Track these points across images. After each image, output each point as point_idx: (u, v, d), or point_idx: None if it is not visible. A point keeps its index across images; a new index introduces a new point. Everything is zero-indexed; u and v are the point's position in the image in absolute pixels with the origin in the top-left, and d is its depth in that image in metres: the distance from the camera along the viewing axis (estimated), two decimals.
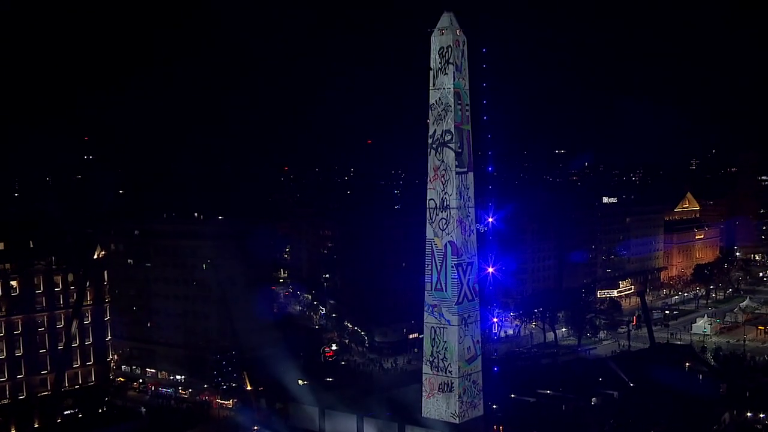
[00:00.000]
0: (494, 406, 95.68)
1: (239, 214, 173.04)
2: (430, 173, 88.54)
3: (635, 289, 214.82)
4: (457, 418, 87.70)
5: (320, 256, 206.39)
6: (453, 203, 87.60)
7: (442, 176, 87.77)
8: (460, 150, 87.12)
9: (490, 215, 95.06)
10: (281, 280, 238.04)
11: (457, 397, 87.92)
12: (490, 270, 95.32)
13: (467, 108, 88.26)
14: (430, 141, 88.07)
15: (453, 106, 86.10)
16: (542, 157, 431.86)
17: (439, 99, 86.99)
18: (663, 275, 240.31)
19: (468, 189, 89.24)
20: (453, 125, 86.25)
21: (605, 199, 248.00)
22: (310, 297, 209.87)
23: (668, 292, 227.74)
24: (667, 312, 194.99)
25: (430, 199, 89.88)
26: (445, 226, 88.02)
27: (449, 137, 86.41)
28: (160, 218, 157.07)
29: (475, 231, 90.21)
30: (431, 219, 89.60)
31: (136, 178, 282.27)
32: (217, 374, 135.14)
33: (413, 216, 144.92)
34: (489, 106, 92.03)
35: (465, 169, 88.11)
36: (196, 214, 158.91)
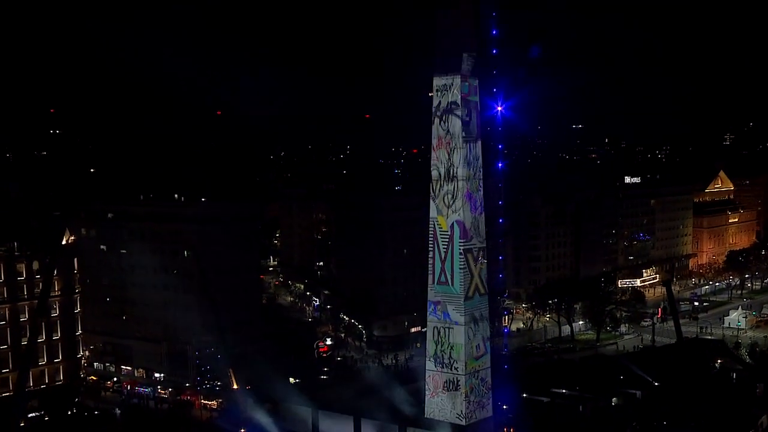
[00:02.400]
0: (504, 407, 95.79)
1: (224, 195, 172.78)
2: (434, 142, 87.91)
3: (660, 278, 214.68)
4: (464, 419, 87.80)
5: (313, 242, 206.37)
6: (460, 173, 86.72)
7: (447, 144, 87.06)
8: (467, 119, 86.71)
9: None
10: (271, 269, 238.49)
11: (464, 396, 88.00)
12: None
13: (475, 78, 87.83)
14: (434, 110, 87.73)
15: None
16: (557, 132, 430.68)
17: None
18: (692, 263, 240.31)
19: (477, 160, 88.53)
20: (459, 96, 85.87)
21: (627, 179, 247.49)
22: (302, 287, 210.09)
23: (697, 282, 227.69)
24: (696, 303, 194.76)
25: (432, 169, 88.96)
26: (451, 202, 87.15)
27: (455, 107, 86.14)
28: (137, 200, 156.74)
29: (483, 211, 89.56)
30: (434, 193, 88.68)
31: (109, 155, 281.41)
32: (200, 372, 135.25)
33: (415, 197, 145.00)
34: (499, 77, 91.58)
35: (474, 137, 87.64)
36: (176, 196, 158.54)
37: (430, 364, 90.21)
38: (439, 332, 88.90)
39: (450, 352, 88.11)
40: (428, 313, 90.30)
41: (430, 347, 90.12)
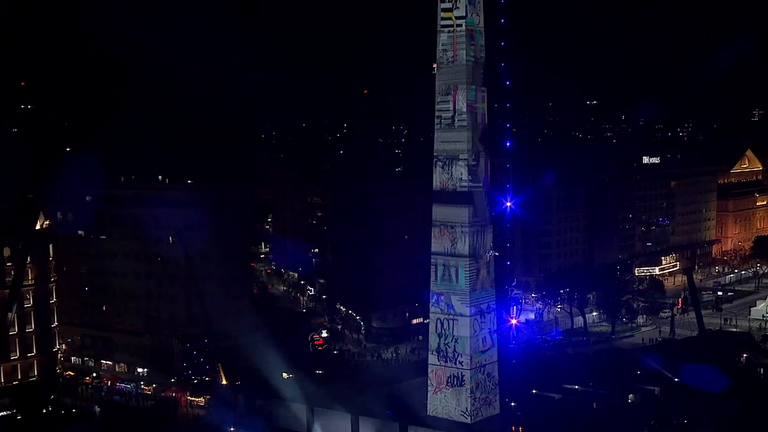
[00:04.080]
0: (512, 404, 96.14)
1: (212, 177, 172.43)
2: (437, 116, 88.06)
3: (681, 265, 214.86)
4: (469, 417, 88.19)
5: (308, 227, 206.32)
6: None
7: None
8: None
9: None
10: (262, 256, 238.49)
11: (469, 392, 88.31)
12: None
13: (482, 50, 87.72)
14: (437, 83, 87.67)
15: (465, 48, 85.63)
16: (570, 109, 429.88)
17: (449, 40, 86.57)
18: (715, 249, 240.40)
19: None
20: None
21: (646, 159, 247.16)
22: (296, 275, 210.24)
23: (721, 270, 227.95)
24: (719, 293, 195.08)
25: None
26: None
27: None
28: (117, 181, 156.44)
29: (490, 193, 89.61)
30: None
31: (87, 133, 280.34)
32: (187, 367, 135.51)
33: (417, 180, 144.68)
34: (508, 49, 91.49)
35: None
36: (160, 177, 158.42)
37: (432, 358, 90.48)
38: (442, 324, 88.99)
39: (454, 346, 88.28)
40: (431, 303, 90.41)
41: (433, 340, 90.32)
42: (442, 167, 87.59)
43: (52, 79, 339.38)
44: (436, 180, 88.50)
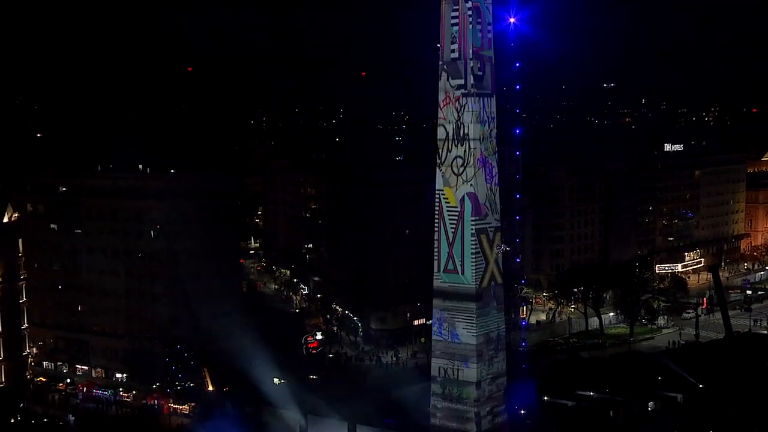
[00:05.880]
0: (522, 412, 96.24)
1: (197, 166, 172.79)
2: (441, 98, 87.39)
3: (706, 262, 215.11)
4: (476, 426, 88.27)
5: (301, 221, 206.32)
6: (472, 132, 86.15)
7: (457, 100, 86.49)
8: (480, 73, 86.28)
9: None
10: (252, 252, 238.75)
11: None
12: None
13: (489, 29, 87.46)
14: (441, 63, 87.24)
15: (472, 25, 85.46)
16: (586, 92, 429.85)
17: (454, 17, 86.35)
18: (743, 244, 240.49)
19: (492, 119, 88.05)
20: (471, 50, 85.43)
21: (668, 147, 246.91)
22: (288, 273, 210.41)
23: (751, 267, 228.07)
24: (748, 292, 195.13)
25: (439, 127, 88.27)
26: (461, 169, 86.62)
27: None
28: (93, 171, 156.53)
29: (498, 183, 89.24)
30: (441, 159, 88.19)
31: (59, 117, 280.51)
32: (170, 372, 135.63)
33: (419, 170, 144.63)
34: (517, 27, 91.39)
35: (489, 91, 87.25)
36: (141, 167, 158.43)
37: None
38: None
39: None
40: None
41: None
42: None
43: (20, 59, 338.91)
44: None
